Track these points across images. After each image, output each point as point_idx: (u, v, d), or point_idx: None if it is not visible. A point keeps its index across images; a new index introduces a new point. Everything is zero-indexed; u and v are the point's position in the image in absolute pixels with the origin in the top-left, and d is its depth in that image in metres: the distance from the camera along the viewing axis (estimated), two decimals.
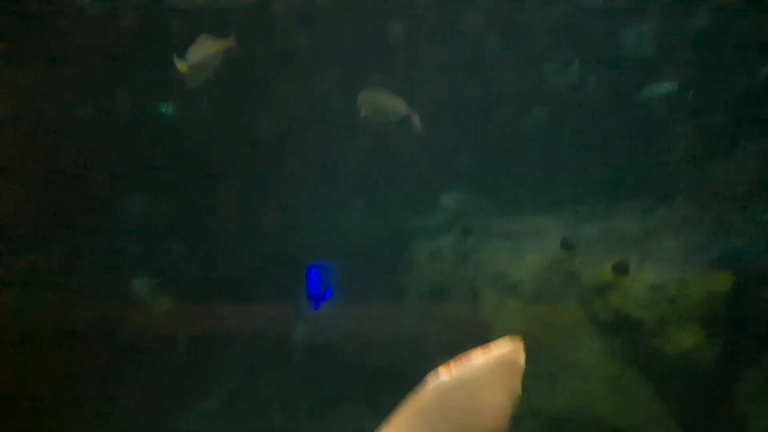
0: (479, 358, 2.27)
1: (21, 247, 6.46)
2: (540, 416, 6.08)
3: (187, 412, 7.05)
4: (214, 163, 7.85)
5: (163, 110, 7.46)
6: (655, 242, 6.10)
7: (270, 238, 8.13)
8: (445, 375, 2.23)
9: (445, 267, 7.24)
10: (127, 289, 6.83)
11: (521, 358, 2.29)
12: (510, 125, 7.50)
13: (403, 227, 8.15)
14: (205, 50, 5.08)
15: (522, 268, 6.30)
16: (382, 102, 5.72)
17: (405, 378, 2.48)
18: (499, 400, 2.24)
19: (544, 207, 7.58)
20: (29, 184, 6.69)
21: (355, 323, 7.88)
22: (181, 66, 4.87)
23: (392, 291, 7.51)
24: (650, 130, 7.10)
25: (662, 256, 5.83)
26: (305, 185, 7.98)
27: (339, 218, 8.20)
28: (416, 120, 5.72)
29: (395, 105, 5.70)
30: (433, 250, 7.51)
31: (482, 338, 2.44)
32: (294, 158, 7.83)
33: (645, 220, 6.53)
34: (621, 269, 5.63)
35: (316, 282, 9.30)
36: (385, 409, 2.28)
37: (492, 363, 2.24)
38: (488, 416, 2.22)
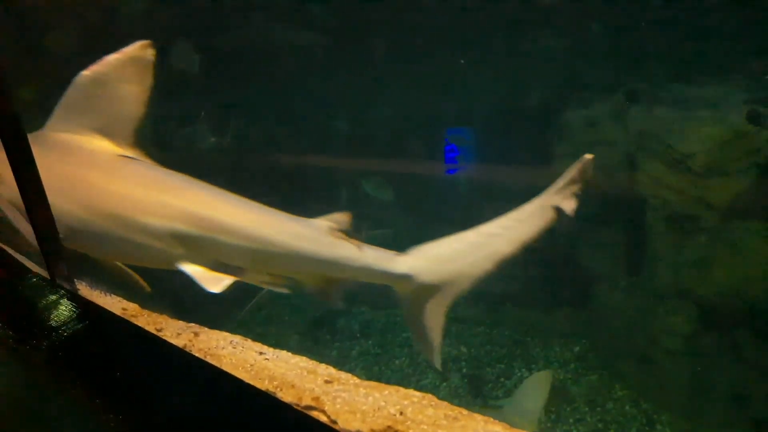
0: (112, 56, 2.64)
1: None
2: (691, 297, 5.87)
3: None
4: None
5: None
6: None
7: None
8: (86, 71, 2.62)
9: (601, 135, 6.75)
10: None
11: (149, 53, 2.67)
12: None
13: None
14: None
15: (694, 141, 5.68)
16: None
17: None
18: (133, 90, 2.65)
19: (726, 71, 6.64)
20: None
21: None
22: None
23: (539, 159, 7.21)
24: None
25: None
26: None
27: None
28: None
29: None
30: (588, 115, 6.98)
31: None
32: None
33: None
34: (753, 117, 5.02)
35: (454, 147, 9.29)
36: None
37: (123, 59, 2.63)
38: (125, 103, 2.66)
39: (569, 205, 2.81)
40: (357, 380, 1.47)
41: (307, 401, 1.39)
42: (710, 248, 5.80)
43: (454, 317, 7.53)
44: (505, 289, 7.72)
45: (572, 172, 2.84)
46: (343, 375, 1.50)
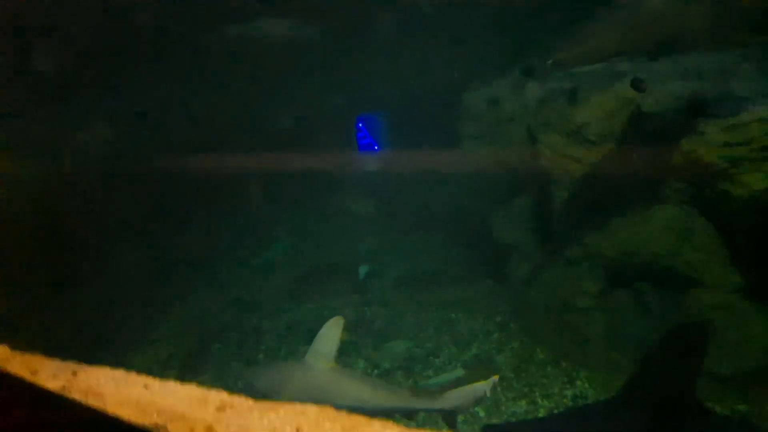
0: None
1: None
2: (598, 258, 6.21)
3: None
4: None
5: None
6: None
7: None
8: None
9: (502, 113, 6.96)
10: None
11: None
12: None
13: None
14: None
15: (587, 111, 5.97)
16: None
17: None
18: None
19: None
20: None
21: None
22: None
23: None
24: None
25: None
26: None
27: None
28: None
29: None
30: (489, 94, 7.17)
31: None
32: None
33: None
34: (637, 84, 5.40)
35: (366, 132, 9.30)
36: None
37: None
38: None
39: None
40: (251, 402, 1.39)
41: (199, 431, 1.30)
42: (611, 212, 6.15)
43: (384, 301, 7.59)
44: (429, 271, 7.86)
45: None
46: (236, 399, 1.41)
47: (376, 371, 6.34)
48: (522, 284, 6.98)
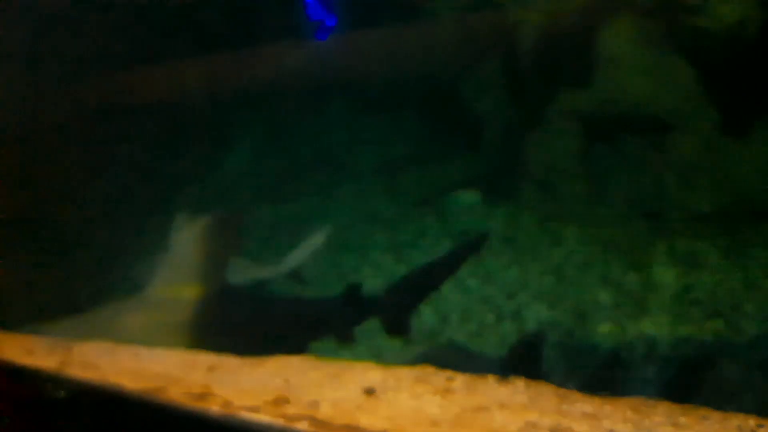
0: None
1: None
2: (572, 114, 6.19)
3: None
4: None
5: None
6: None
7: None
8: None
9: None
10: None
11: None
12: None
13: None
14: None
15: None
16: None
17: None
18: None
19: None
20: None
21: None
22: None
23: None
24: None
25: None
26: None
27: None
28: None
29: None
30: None
31: None
32: None
33: None
34: None
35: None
36: None
37: None
38: None
39: None
40: (238, 360, 1.48)
41: (198, 390, 1.39)
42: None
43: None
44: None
45: None
46: (224, 359, 1.49)
47: None
48: (498, 152, 6.99)
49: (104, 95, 5.60)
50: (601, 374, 4.08)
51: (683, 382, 3.67)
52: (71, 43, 5.33)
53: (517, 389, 1.15)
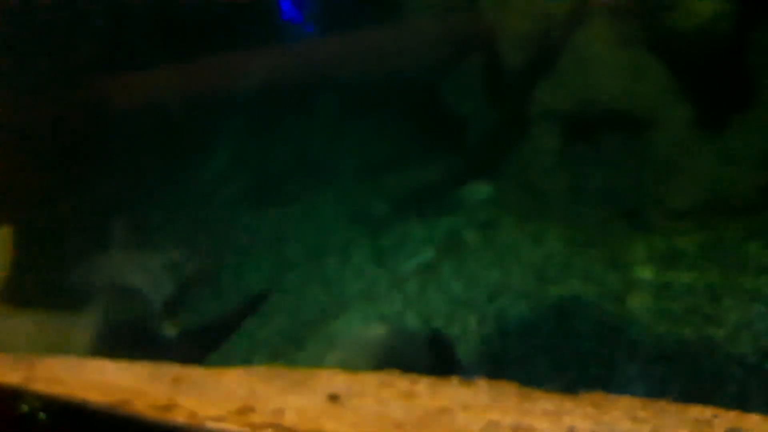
0: None
1: None
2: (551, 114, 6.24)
3: None
4: None
5: None
6: None
7: None
8: None
9: None
10: None
11: None
12: None
13: None
14: None
15: None
16: None
17: None
18: None
19: None
20: None
21: None
22: None
23: None
24: None
25: None
26: None
27: None
28: None
29: None
30: None
31: None
32: None
33: None
34: None
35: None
36: None
37: None
38: None
39: None
40: (202, 371, 1.47)
41: (163, 402, 1.38)
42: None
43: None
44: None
45: None
46: (189, 370, 1.48)
47: None
48: (479, 153, 7.02)
49: (78, 100, 5.55)
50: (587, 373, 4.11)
51: (663, 376, 3.71)
52: (43, 46, 5.29)
53: (480, 389, 1.16)
